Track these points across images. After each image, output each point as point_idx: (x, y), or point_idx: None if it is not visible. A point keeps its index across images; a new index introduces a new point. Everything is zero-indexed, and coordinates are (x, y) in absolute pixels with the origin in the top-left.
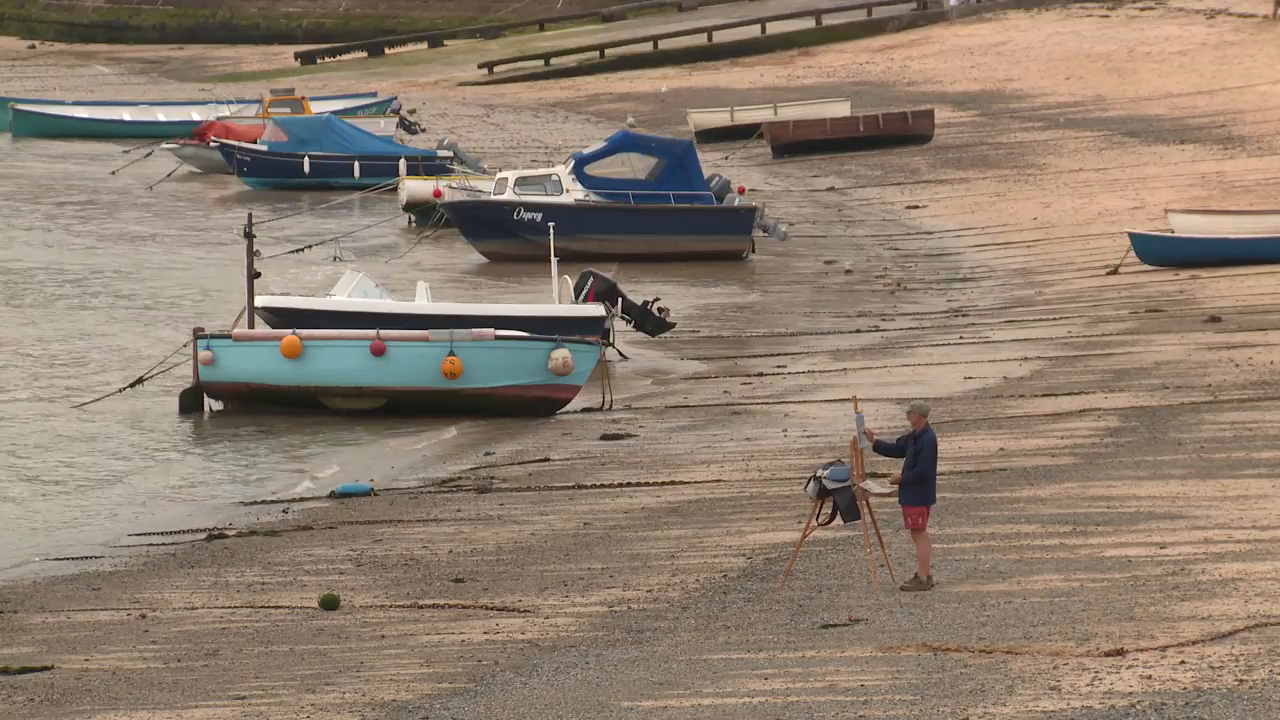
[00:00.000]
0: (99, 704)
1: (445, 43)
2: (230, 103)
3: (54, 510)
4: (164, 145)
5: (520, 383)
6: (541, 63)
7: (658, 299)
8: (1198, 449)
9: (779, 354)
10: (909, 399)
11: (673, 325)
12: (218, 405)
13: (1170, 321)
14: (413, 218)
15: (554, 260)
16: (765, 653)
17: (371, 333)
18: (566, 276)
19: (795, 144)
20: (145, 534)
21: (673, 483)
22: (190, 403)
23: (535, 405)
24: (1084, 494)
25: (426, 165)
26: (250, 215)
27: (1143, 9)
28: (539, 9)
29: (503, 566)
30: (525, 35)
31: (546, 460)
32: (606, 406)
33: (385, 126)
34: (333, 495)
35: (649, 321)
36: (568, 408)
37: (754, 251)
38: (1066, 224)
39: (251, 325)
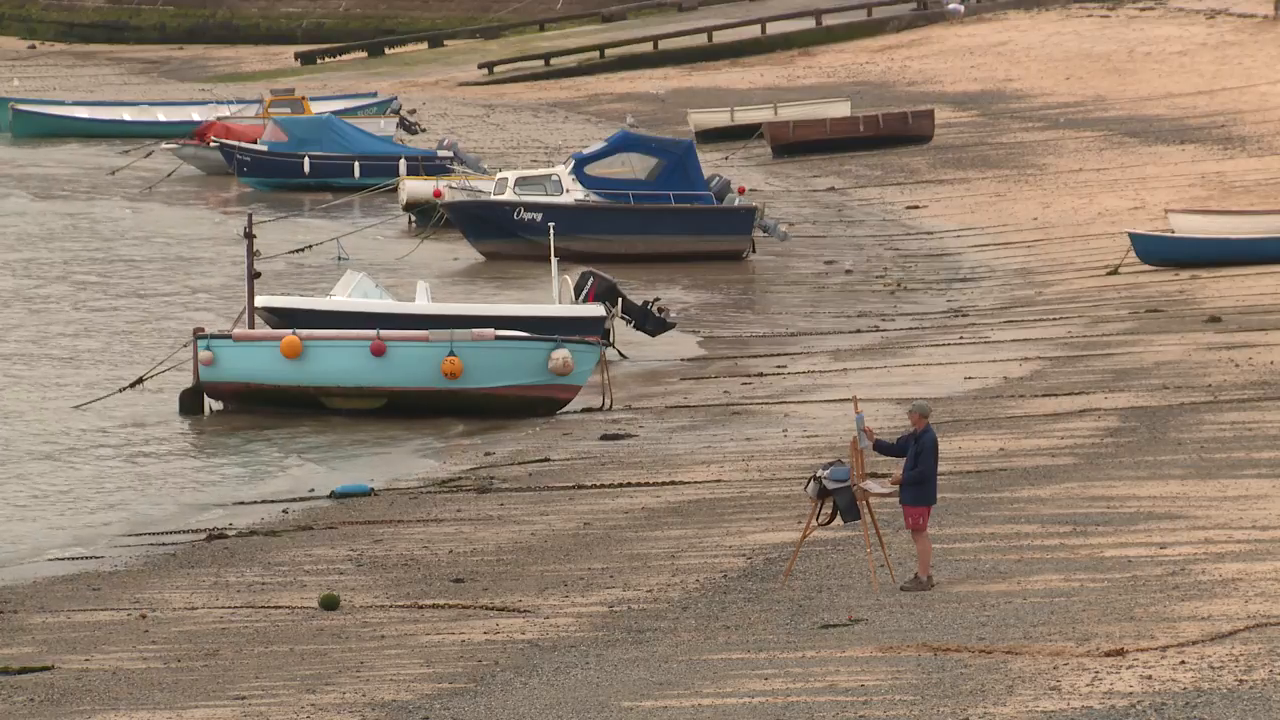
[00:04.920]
0: (99, 704)
1: (445, 43)
2: (230, 103)
3: (54, 510)
4: (164, 145)
5: (520, 383)
6: (541, 63)
7: (658, 299)
8: (1198, 449)
9: (779, 354)
10: (909, 399)
11: (673, 325)
12: (218, 405)
13: (1170, 321)
14: (413, 218)
15: (554, 260)
16: (765, 653)
17: (371, 333)
18: (566, 276)
19: (795, 144)
20: (145, 534)
21: (673, 483)
22: (190, 403)
23: (535, 405)
24: (1084, 494)
25: (426, 165)
26: (250, 215)
27: (1143, 9)
28: (539, 9)
29: (503, 566)
30: (525, 35)
31: (546, 460)
32: (606, 406)
33: (385, 126)
34: (333, 495)
35: (649, 321)
36: (568, 408)
37: (754, 251)
38: (1066, 224)
39: (251, 325)
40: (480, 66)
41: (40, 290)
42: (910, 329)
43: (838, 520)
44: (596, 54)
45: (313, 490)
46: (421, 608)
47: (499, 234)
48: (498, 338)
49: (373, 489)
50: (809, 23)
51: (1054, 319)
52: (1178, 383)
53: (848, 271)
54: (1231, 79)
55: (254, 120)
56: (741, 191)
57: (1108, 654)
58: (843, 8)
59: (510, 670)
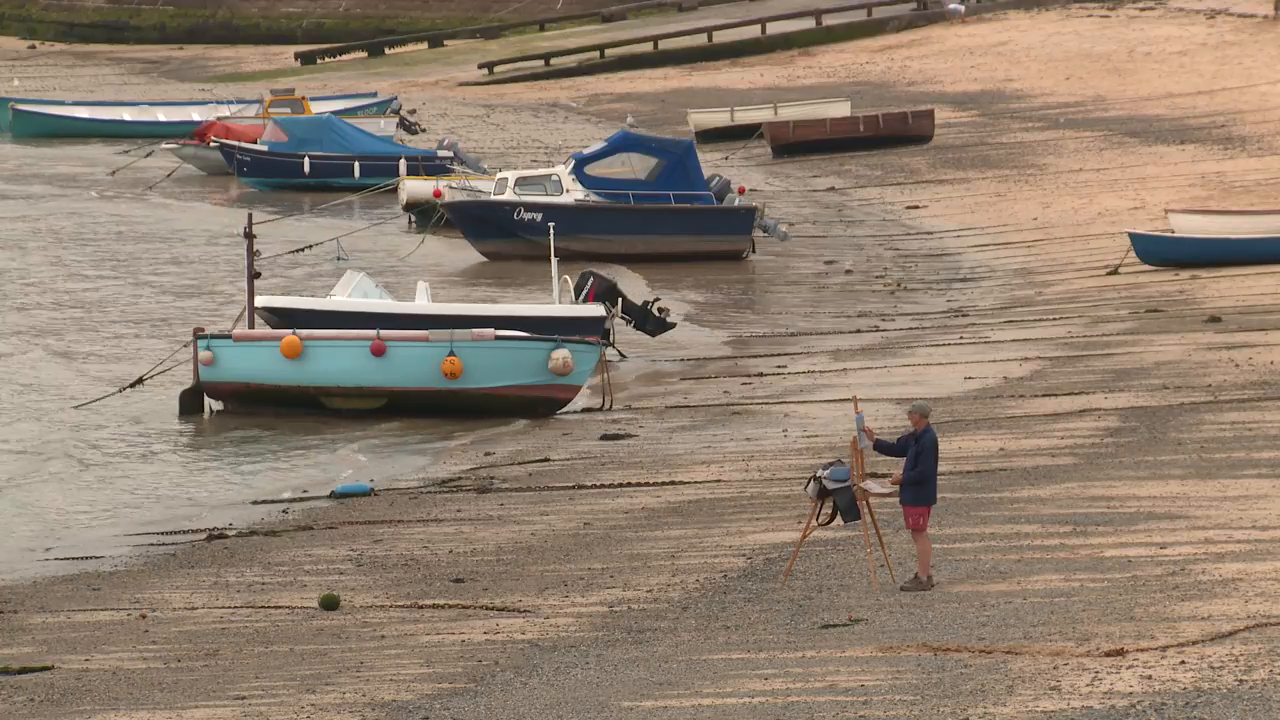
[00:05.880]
0: (99, 704)
1: (445, 43)
2: (230, 103)
3: (54, 510)
4: (164, 145)
5: (520, 383)
6: (541, 63)
7: (658, 299)
8: (1198, 449)
9: (779, 354)
10: (909, 399)
11: (673, 325)
12: (218, 405)
13: (1170, 321)
14: (413, 218)
15: (554, 260)
16: (765, 653)
17: (371, 333)
18: (566, 276)
19: (795, 144)
20: (145, 534)
21: (673, 483)
22: (190, 403)
23: (535, 405)
24: (1084, 494)
25: (426, 165)
26: (250, 215)
27: (1143, 9)
28: (539, 9)
29: (503, 566)
30: (525, 35)
31: (546, 460)
32: (606, 406)
33: (385, 126)
34: (333, 495)
35: (649, 322)
36: (568, 408)
37: (754, 251)
38: (1066, 224)
39: (251, 325)
40: (480, 66)
41: (40, 290)
42: (910, 329)
43: (838, 520)
44: (596, 54)
45: (308, 491)
46: (421, 608)
47: (499, 234)
48: (498, 338)
49: (373, 489)
50: (809, 23)
51: (1054, 319)
52: (1178, 383)
53: (848, 271)
54: (1231, 79)
55: (254, 120)
56: (741, 191)
57: (1108, 654)
58: (843, 8)
59: (510, 670)
